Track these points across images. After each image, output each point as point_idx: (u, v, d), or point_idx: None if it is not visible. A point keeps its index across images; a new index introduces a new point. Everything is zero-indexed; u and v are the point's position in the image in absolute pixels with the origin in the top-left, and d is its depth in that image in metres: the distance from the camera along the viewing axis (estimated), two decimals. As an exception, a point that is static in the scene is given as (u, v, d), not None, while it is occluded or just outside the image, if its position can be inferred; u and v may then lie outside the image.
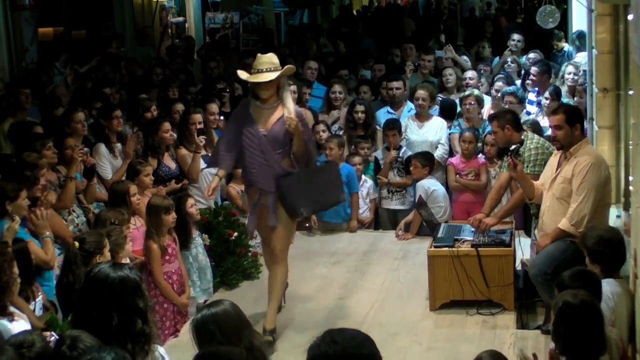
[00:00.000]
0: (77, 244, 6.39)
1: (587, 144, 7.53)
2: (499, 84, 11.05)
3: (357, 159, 10.42)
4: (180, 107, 10.37)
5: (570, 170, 7.30)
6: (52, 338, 5.80)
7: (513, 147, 8.15)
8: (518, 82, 11.82)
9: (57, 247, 7.59)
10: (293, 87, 10.90)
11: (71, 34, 17.87)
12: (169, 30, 18.70)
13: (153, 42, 17.67)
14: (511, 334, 7.49)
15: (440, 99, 11.59)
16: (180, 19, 20.37)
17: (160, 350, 4.64)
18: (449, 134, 10.67)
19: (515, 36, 13.60)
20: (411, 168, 10.09)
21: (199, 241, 8.44)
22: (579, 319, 4.97)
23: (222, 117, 10.54)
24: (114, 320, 4.38)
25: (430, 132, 10.68)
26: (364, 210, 10.52)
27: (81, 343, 4.22)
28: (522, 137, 8.37)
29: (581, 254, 6.51)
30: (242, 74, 7.89)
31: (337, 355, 3.62)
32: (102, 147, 9.40)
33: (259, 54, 7.80)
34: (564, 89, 11.08)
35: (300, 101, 11.02)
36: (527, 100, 11.03)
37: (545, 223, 7.49)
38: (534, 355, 5.42)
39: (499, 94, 10.87)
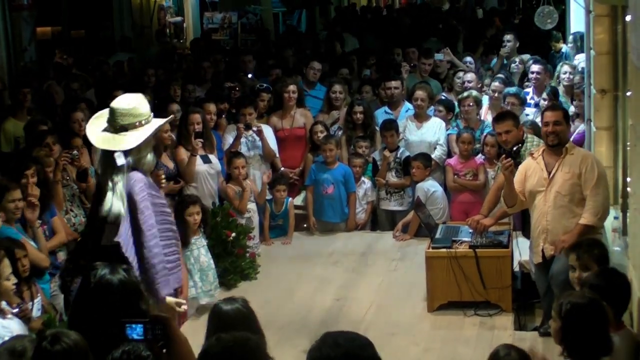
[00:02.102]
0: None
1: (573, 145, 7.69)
2: (495, 84, 11.04)
3: (358, 161, 10.44)
4: (175, 107, 10.36)
5: (575, 166, 7.33)
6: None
7: (515, 147, 8.16)
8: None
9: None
10: (292, 87, 10.93)
11: (70, 34, 17.86)
12: (167, 30, 18.72)
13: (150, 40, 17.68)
14: (509, 335, 7.47)
15: (444, 97, 11.60)
16: (179, 18, 20.39)
17: None
18: (447, 135, 10.67)
19: (506, 36, 13.61)
20: (413, 170, 10.09)
21: (201, 242, 8.42)
22: (587, 319, 4.91)
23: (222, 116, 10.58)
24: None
25: (428, 133, 10.67)
26: (360, 212, 10.53)
27: (65, 337, 4.20)
28: (524, 137, 8.40)
29: None
30: (93, 133, 5.93)
31: (339, 357, 3.65)
32: None
33: (116, 103, 5.84)
34: (560, 89, 11.09)
35: (299, 101, 11.07)
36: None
37: (553, 223, 7.45)
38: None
39: (496, 94, 10.87)
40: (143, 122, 5.77)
